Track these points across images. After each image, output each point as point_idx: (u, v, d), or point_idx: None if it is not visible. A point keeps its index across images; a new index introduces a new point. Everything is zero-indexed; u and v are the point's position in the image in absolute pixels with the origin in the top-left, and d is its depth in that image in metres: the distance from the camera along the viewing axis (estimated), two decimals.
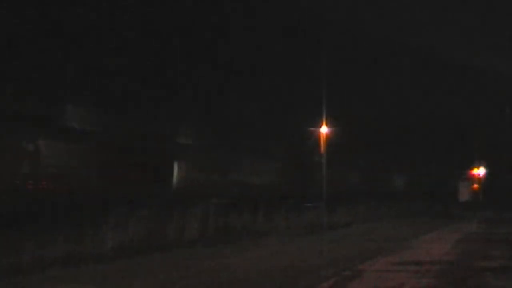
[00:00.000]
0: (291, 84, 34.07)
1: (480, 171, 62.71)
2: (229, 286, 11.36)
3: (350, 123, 36.40)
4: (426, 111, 54.57)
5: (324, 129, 33.77)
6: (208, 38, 26.30)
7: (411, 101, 52.59)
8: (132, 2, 22.27)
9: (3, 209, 15.25)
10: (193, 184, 24.13)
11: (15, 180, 16.71)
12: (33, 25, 17.62)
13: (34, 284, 11.33)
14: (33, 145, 16.93)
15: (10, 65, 16.81)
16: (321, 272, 13.19)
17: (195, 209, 20.76)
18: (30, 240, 13.81)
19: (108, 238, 15.86)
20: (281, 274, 13.01)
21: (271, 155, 32.40)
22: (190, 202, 21.40)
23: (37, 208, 16.56)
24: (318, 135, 32.81)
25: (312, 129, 33.03)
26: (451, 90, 58.79)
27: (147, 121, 22.31)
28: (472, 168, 63.12)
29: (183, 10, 25.05)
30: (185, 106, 24.96)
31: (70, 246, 14.48)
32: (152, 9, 23.09)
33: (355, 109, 41.16)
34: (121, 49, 21.15)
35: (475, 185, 63.85)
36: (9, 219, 14.85)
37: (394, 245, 19.66)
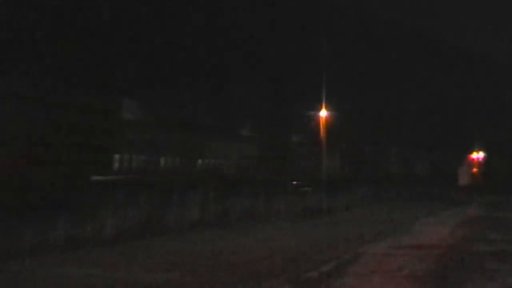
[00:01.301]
0: (292, 69, 34.02)
1: (479, 155, 62.72)
2: (228, 269, 11.37)
3: (350, 107, 36.37)
4: (427, 95, 54.52)
5: (323, 113, 33.76)
6: (207, 23, 26.26)
7: (412, 85, 52.54)
8: None
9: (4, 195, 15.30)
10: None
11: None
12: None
13: (34, 268, 11.34)
14: None
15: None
16: (321, 256, 13.22)
17: (195, 193, 20.75)
18: (30, 225, 13.84)
19: (108, 223, 15.87)
20: (280, 258, 13.04)
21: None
22: (190, 186, 21.42)
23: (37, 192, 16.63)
24: (316, 119, 32.80)
25: (311, 113, 32.99)
26: (453, 74, 58.71)
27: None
28: (471, 152, 63.14)
29: None
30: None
31: (70, 230, 14.50)
32: None
33: (355, 93, 41.12)
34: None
35: (475, 169, 63.89)
36: (9, 204, 14.90)
37: (393, 229, 19.69)
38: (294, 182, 32.07)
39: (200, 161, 26.86)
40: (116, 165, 22.28)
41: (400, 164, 54.89)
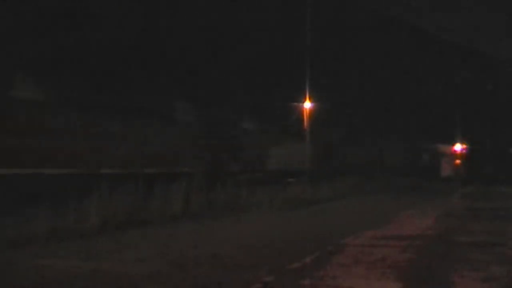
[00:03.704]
0: (275, 57, 33.97)
1: (462, 147, 63.12)
2: (212, 261, 11.37)
3: (333, 98, 36.41)
4: (410, 87, 54.71)
5: (307, 105, 33.85)
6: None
7: (395, 77, 52.69)
8: None
9: None
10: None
11: None
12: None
13: (15, 260, 11.28)
14: None
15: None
16: (304, 246, 13.25)
17: (178, 184, 20.70)
18: (12, 215, 13.77)
19: (91, 214, 15.80)
20: (263, 249, 13.06)
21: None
22: (173, 176, 21.35)
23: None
24: (301, 110, 32.85)
25: (295, 104, 33.03)
26: (435, 67, 58.92)
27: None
28: (454, 144, 63.51)
29: None
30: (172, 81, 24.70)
31: (53, 221, 14.42)
32: None
33: (338, 84, 41.17)
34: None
35: (457, 161, 64.26)
36: None
37: (377, 220, 19.75)
38: (278, 173, 32.07)
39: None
40: None
41: (383, 156, 55.13)
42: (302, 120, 33.83)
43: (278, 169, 32.93)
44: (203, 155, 26.69)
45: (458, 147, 63.88)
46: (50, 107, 20.04)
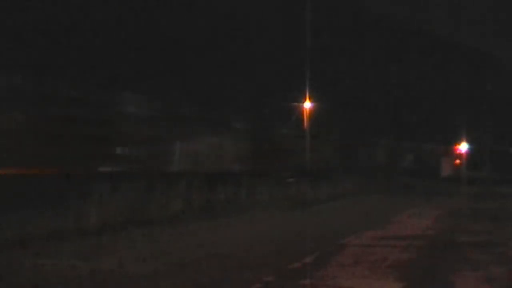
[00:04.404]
0: (276, 57, 33.96)
1: (462, 147, 63.08)
2: (213, 260, 11.36)
3: (334, 98, 36.38)
4: (411, 87, 54.70)
5: (307, 105, 33.87)
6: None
7: (396, 76, 52.68)
8: None
9: None
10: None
11: None
12: None
13: (15, 260, 11.27)
14: None
15: None
16: (304, 246, 13.24)
17: (178, 184, 20.67)
18: (12, 216, 13.74)
19: (91, 214, 15.78)
20: (263, 248, 13.05)
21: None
22: (173, 177, 21.32)
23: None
24: (301, 111, 32.85)
25: (294, 104, 33.01)
26: (435, 66, 58.91)
27: None
28: (455, 144, 63.48)
29: None
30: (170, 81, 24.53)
31: (53, 221, 14.41)
32: None
33: (343, 85, 41.17)
34: None
35: (458, 161, 64.25)
36: None
37: (377, 220, 19.75)
38: (280, 173, 31.97)
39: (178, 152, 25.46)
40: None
41: (384, 156, 55.08)
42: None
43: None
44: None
45: (458, 147, 63.84)
46: None
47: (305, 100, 34.06)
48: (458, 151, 63.70)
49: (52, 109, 18.04)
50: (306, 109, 34.23)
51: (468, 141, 61.91)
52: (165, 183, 20.08)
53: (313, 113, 33.76)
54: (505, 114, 61.48)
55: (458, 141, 62.41)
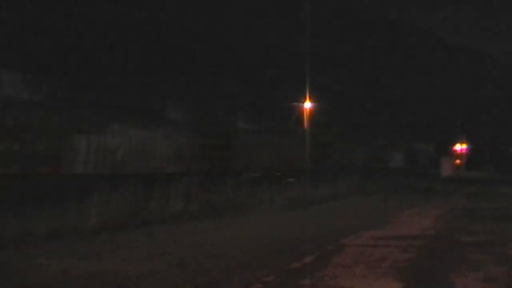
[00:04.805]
0: (275, 59, 33.94)
1: (462, 147, 63.12)
2: (212, 260, 11.36)
3: (333, 98, 36.35)
4: (410, 87, 54.72)
5: (307, 105, 33.88)
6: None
7: (397, 77, 52.72)
8: None
9: None
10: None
11: None
12: None
13: (15, 260, 11.27)
14: None
15: None
16: (304, 246, 13.24)
17: (179, 184, 20.62)
18: (13, 216, 13.73)
19: (91, 214, 15.76)
20: (263, 248, 13.05)
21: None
22: (173, 176, 21.25)
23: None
24: (301, 111, 32.83)
25: (295, 104, 32.98)
26: (436, 68, 58.96)
27: None
28: (454, 144, 63.50)
29: None
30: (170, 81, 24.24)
31: (53, 221, 14.40)
32: None
33: (340, 85, 41.13)
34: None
35: (458, 161, 64.25)
36: None
37: (377, 220, 19.75)
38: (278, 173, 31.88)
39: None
40: None
41: (384, 156, 55.13)
42: (302, 119, 33.74)
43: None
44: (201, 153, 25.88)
45: (458, 147, 63.84)
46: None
47: (304, 100, 34.03)
48: (458, 151, 63.72)
49: None
50: (305, 109, 34.15)
51: (468, 141, 61.94)
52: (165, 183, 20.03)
53: (313, 114, 33.70)
54: (505, 113, 61.50)
55: (458, 141, 62.43)
